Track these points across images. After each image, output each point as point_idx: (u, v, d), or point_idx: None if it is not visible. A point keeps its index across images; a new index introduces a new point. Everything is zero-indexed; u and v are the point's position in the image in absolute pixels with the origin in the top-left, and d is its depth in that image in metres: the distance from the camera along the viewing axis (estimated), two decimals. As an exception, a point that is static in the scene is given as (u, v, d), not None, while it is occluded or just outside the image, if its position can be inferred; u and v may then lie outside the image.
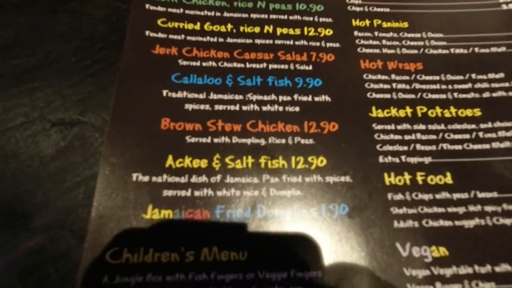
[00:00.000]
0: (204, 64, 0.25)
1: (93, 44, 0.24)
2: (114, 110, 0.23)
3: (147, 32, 0.26)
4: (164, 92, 0.24)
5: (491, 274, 0.20)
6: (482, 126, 0.25)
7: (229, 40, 0.27)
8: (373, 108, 0.25)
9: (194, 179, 0.21)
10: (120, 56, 0.24)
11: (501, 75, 0.27)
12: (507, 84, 0.26)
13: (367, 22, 0.29)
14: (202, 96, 0.24)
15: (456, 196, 0.22)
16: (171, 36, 0.26)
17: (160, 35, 0.26)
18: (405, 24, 0.29)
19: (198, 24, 0.27)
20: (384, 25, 0.29)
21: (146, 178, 0.21)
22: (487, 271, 0.20)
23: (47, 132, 0.21)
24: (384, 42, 0.28)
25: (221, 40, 0.27)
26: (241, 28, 0.27)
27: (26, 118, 0.22)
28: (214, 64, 0.25)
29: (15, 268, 0.18)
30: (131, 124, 0.22)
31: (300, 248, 0.20)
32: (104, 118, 0.22)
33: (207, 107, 0.24)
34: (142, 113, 0.23)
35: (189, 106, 0.23)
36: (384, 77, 0.26)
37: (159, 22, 0.26)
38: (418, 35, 0.28)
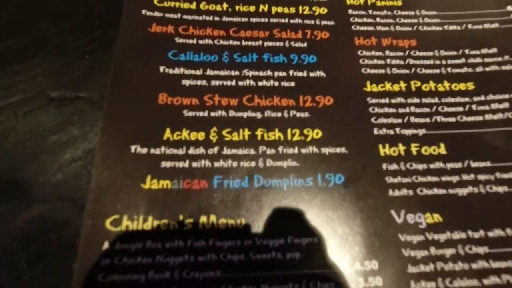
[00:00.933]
0: (200, 42, 0.26)
1: (89, 23, 0.25)
2: (111, 86, 0.23)
3: (143, 11, 0.26)
4: (161, 69, 0.24)
5: (484, 239, 0.20)
6: (475, 99, 0.25)
7: (224, 18, 0.27)
8: (368, 83, 0.25)
9: (191, 150, 0.22)
10: (116, 34, 0.24)
11: (494, 50, 0.27)
12: (500, 59, 0.27)
13: (361, 0, 0.29)
14: (198, 72, 0.24)
15: (450, 165, 0.23)
16: (167, 15, 0.26)
17: (157, 13, 0.26)
18: (399, 2, 0.29)
19: (194, 3, 0.27)
20: (378, 3, 0.29)
21: (144, 150, 0.21)
22: (480, 236, 0.20)
23: (45, 108, 0.21)
24: (378, 20, 0.28)
25: (216, 18, 0.27)
26: (237, 7, 0.28)
27: (25, 95, 0.22)
28: (210, 42, 0.26)
29: (17, 237, 0.18)
30: (129, 99, 0.23)
31: (296, 216, 0.20)
32: (102, 94, 0.22)
33: (204, 82, 0.24)
34: (139, 89, 0.23)
35: (186, 82, 0.24)
36: (378, 53, 0.27)
37: (155, 1, 0.27)
38: (412, 12, 0.29)
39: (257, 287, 0.18)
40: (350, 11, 0.28)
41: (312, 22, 0.28)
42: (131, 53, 0.24)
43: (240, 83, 0.24)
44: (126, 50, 0.24)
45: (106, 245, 0.18)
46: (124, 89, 0.23)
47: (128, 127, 0.22)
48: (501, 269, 0.19)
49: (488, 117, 0.24)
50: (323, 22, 0.28)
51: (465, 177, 0.22)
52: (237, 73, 0.25)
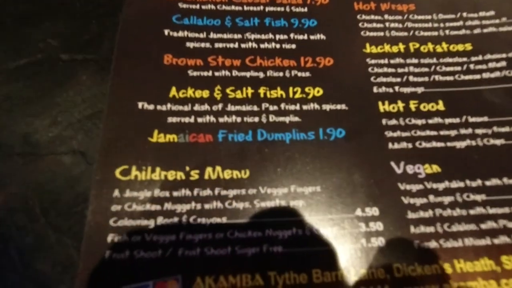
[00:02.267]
0: (203, 7, 0.26)
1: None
2: (118, 48, 0.24)
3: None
4: (166, 32, 0.24)
5: (482, 187, 0.21)
6: (473, 59, 0.26)
7: (227, -15, 0.28)
8: (367, 45, 0.26)
9: (197, 107, 0.22)
10: (122, 1, 0.25)
11: (491, 13, 0.28)
12: (497, 21, 0.27)
13: (361, -33, 0.30)
14: (202, 35, 0.25)
15: (448, 120, 0.23)
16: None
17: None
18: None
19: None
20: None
21: (151, 107, 0.22)
22: (478, 185, 0.21)
23: (56, 69, 0.22)
24: (377, -15, 0.29)
25: (218, -15, 0.27)
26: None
27: (36, 57, 0.23)
28: (213, 7, 0.26)
29: (31, 186, 0.19)
30: (135, 60, 0.23)
31: (299, 167, 0.21)
32: (110, 57, 0.23)
33: (208, 45, 0.25)
34: (145, 50, 0.24)
35: (190, 44, 0.24)
36: (377, 17, 0.27)
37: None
38: (410, -22, 0.29)
39: (261, 232, 0.19)
40: (349, -21, 0.29)
41: (312, -12, 0.28)
42: (136, 17, 0.25)
43: (243, 45, 0.25)
44: (132, 15, 0.25)
45: (116, 192, 0.19)
46: (130, 51, 0.24)
47: (135, 86, 0.22)
48: (498, 214, 0.20)
49: (485, 75, 0.25)
50: (323, -11, 0.28)
51: (463, 131, 0.23)
52: (239, 36, 0.25)
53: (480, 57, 0.26)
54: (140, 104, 0.22)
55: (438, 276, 0.18)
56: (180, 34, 0.25)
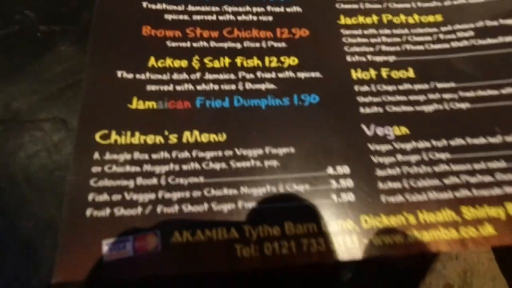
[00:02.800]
0: (181, -20, 0.27)
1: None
2: (96, 19, 0.24)
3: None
4: (144, 4, 0.25)
5: (447, 146, 0.22)
6: (443, 29, 0.27)
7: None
8: (342, 17, 0.27)
9: (175, 76, 0.23)
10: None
11: (461, -15, 0.29)
12: (467, -6, 0.28)
13: None
14: (180, 8, 0.25)
15: (417, 87, 0.24)
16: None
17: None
18: None
19: None
20: None
21: (130, 76, 0.22)
22: (443, 145, 0.22)
23: (35, 41, 0.23)
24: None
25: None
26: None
27: (12, 29, 0.23)
28: (191, -19, 0.27)
29: (13, 152, 0.19)
30: (113, 31, 0.24)
31: (274, 130, 0.22)
32: (88, 28, 0.23)
33: (186, 17, 0.25)
34: (123, 22, 0.24)
35: (168, 16, 0.25)
36: (352, -10, 0.28)
37: None
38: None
39: (237, 189, 0.20)
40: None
41: (289, -37, 0.29)
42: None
43: (221, 18, 0.26)
44: (110, -12, 0.25)
45: (96, 155, 0.20)
46: (109, 22, 0.24)
47: (114, 56, 0.23)
48: (460, 171, 0.21)
49: (454, 44, 0.26)
50: (299, -36, 0.29)
51: (431, 96, 0.24)
52: (217, 8, 0.26)
53: (449, 28, 0.27)
54: (119, 73, 0.22)
55: (403, 226, 0.20)
56: (159, 6, 0.25)
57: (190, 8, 0.25)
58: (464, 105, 0.24)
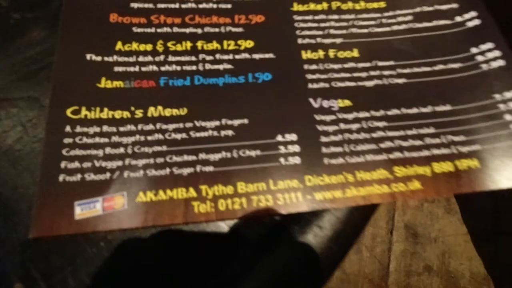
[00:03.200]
0: (147, -28, 0.29)
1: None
2: (65, 6, 0.26)
3: None
4: (111, -7, 0.27)
5: (384, 116, 0.25)
6: (385, 14, 0.30)
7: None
8: (295, 4, 0.29)
9: (141, 58, 0.25)
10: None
11: (403, -25, 0.32)
12: (408, -18, 0.31)
13: None
14: (146, -3, 0.28)
15: (360, 65, 0.27)
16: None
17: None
18: None
19: None
20: None
21: (98, 58, 0.25)
22: (381, 114, 0.25)
23: (6, 27, 0.24)
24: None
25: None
26: None
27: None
28: (156, -27, 0.29)
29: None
30: (82, 17, 0.26)
31: (230, 103, 0.24)
32: (58, 15, 0.25)
33: (151, 5, 0.27)
34: (91, 9, 0.26)
35: (134, 5, 0.27)
36: (305, -19, 0.31)
37: None
38: None
39: (195, 155, 0.22)
40: None
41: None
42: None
43: (183, 6, 0.28)
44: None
45: (68, 128, 0.22)
46: (78, 9, 0.26)
47: (83, 40, 0.25)
48: (395, 136, 0.24)
49: (394, 28, 0.29)
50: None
51: (372, 73, 0.27)
52: (180, -3, 0.28)
53: (391, 13, 0.30)
54: (88, 56, 0.24)
55: (342, 184, 0.22)
56: (125, -5, 0.27)
57: (155, -3, 0.28)
58: (401, 80, 0.27)
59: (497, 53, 0.27)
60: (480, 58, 0.27)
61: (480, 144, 0.24)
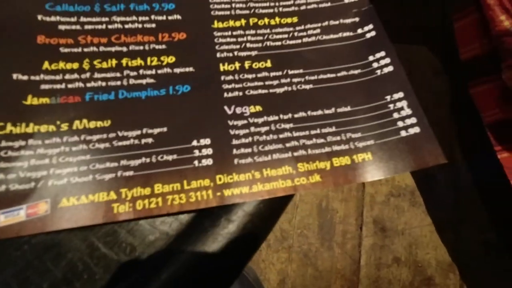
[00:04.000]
0: (75, -4, 0.31)
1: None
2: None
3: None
4: (39, 17, 0.29)
5: (291, 118, 0.28)
6: (297, 28, 0.33)
7: (98, -22, 0.33)
8: (215, 21, 0.32)
9: (67, 76, 0.27)
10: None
11: (314, -8, 0.36)
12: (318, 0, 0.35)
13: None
14: (73, 19, 0.30)
15: (272, 74, 0.30)
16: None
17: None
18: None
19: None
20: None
21: (25, 77, 0.27)
22: (288, 117, 0.28)
23: None
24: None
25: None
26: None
27: None
28: (84, -4, 0.31)
29: None
30: (10, 39, 0.28)
31: (151, 114, 0.27)
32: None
33: (78, 27, 0.30)
34: (18, 31, 0.28)
35: (62, 27, 0.29)
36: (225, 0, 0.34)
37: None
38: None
39: (117, 162, 0.25)
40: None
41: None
42: (10, 5, 0.29)
43: (110, 26, 0.30)
44: (7, 1, 0.29)
45: (-6, 143, 0.24)
46: (6, 32, 0.28)
47: (10, 60, 0.27)
48: (300, 136, 0.28)
49: (305, 40, 0.33)
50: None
51: (283, 80, 0.30)
52: (107, 19, 0.31)
53: (302, 27, 0.33)
54: (14, 75, 0.26)
55: (250, 181, 0.25)
56: (53, 19, 0.29)
57: (82, 19, 0.30)
58: (308, 86, 0.30)
59: (387, 60, 0.31)
60: (375, 64, 0.31)
61: (373, 139, 0.28)
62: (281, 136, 0.28)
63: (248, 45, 0.32)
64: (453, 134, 0.39)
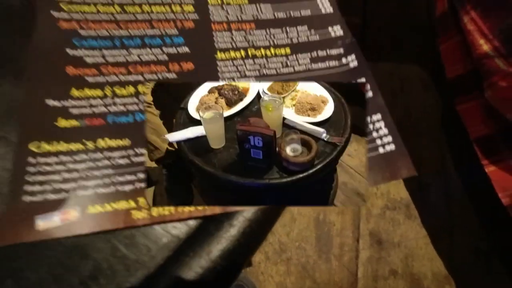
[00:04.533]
0: (98, 32, 0.36)
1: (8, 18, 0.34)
2: (30, 64, 0.32)
3: (53, 12, 0.36)
4: (68, 51, 0.34)
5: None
6: (290, 58, 0.38)
7: (116, 16, 0.38)
8: (218, 52, 0.37)
9: (92, 101, 0.32)
10: (34, 28, 0.34)
11: (305, 27, 0.41)
12: (308, 33, 0.40)
13: (219, 0, 0.41)
14: (97, 53, 0.35)
15: (268, 98, 0.35)
16: (72, 15, 0.37)
17: (63, 14, 0.36)
18: (245, 1, 0.42)
19: (93, 6, 0.38)
20: (231, 1, 0.42)
21: (56, 103, 0.31)
22: None
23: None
24: (230, 12, 0.41)
25: (110, 16, 0.37)
26: (125, 8, 0.38)
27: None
28: (106, 33, 0.36)
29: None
30: (43, 71, 0.32)
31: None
32: (23, 71, 0.31)
33: (101, 59, 0.34)
34: (52, 64, 0.33)
35: (87, 59, 0.34)
36: (227, 34, 0.39)
37: (62, 5, 0.37)
38: (254, 6, 0.41)
39: (135, 175, 0.29)
40: (210, 9, 0.41)
41: (182, 16, 0.39)
42: (44, 41, 0.34)
43: (128, 58, 0.35)
44: (41, 38, 0.34)
45: (30, 159, 0.28)
46: (40, 65, 0.33)
47: (44, 89, 0.31)
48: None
49: (296, 68, 0.38)
50: (189, 16, 0.39)
51: (277, 104, 0.35)
52: (125, 52, 0.35)
53: (294, 57, 0.38)
54: (47, 101, 0.31)
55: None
56: (80, 52, 0.34)
57: (104, 52, 0.35)
58: (299, 109, 0.35)
59: (367, 86, 0.36)
60: (357, 90, 0.36)
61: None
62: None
63: (247, 73, 0.36)
64: (443, 145, 0.43)
